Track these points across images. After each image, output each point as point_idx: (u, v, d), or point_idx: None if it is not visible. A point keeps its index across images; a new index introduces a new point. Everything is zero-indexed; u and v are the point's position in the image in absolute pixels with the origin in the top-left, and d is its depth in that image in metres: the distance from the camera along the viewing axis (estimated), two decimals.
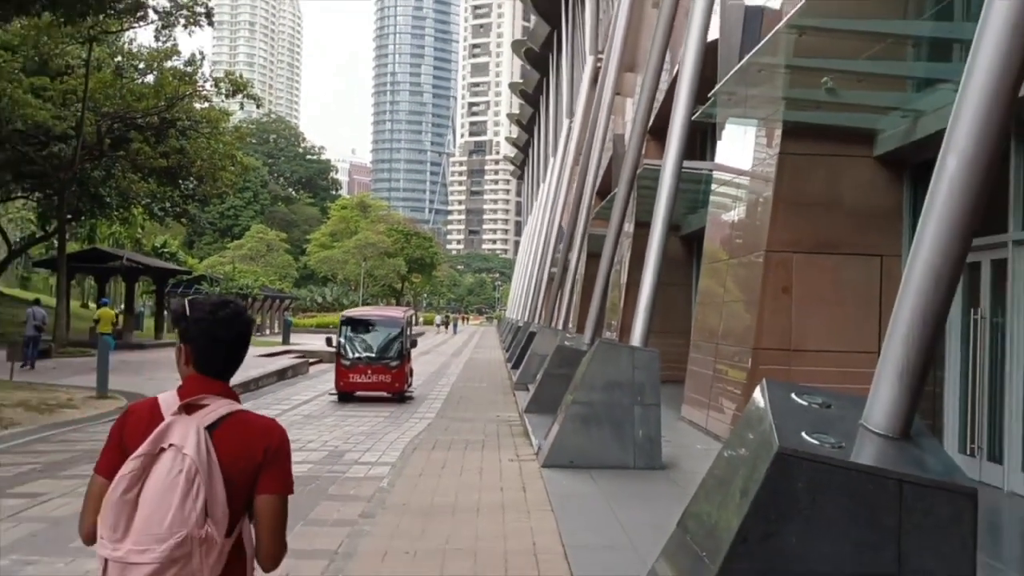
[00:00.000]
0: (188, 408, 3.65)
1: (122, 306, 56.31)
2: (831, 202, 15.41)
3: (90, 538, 3.76)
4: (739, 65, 14.97)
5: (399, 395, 27.08)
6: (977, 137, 5.18)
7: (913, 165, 14.93)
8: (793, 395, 6.00)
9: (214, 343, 3.84)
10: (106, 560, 3.53)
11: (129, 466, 3.55)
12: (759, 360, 15.21)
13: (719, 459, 6.24)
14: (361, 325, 28.30)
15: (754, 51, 13.87)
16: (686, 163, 16.45)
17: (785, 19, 12.75)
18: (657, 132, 22.43)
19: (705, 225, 20.61)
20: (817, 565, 5.03)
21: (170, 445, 3.55)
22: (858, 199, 15.38)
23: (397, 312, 30.49)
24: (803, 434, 5.26)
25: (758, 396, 5.90)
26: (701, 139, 24.08)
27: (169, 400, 3.77)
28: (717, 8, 17.66)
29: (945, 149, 5.26)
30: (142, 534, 3.47)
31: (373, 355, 27.01)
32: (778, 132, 15.83)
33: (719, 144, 20.20)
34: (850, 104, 14.76)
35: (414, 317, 38.24)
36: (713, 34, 17.67)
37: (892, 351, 5.39)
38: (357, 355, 27.01)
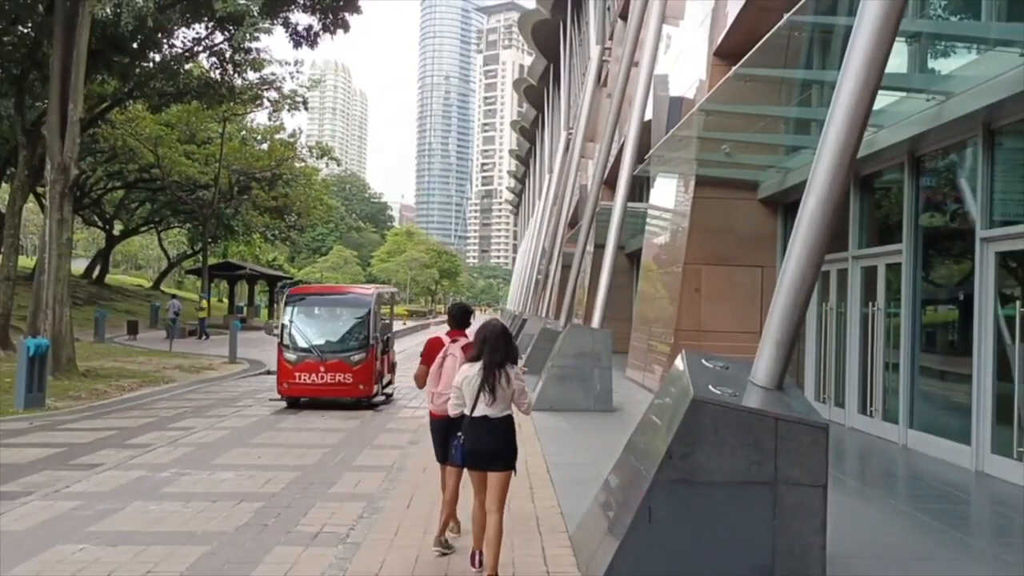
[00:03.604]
0: (452, 339, 6.52)
1: (246, 300, 56.33)
2: (727, 230, 15.42)
3: (420, 386, 6.82)
4: (665, 137, 15.01)
5: (365, 400, 15.21)
6: (828, 185, 5.20)
7: (784, 204, 14.94)
8: (703, 360, 6.01)
9: (459, 315, 6.73)
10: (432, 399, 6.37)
11: (438, 361, 6.44)
12: (679, 338, 15.21)
13: (652, 405, 6.25)
14: (313, 306, 16.07)
15: (676, 127, 13.92)
16: (629, 204, 16.53)
17: (697, 105, 12.79)
18: (610, 182, 22.42)
19: (642, 246, 20.63)
20: (720, 475, 5.04)
21: (450, 354, 6.38)
22: (746, 228, 15.39)
23: (363, 290, 17.26)
24: (710, 386, 5.27)
25: (679, 361, 5.91)
26: (639, 187, 24.11)
27: (443, 336, 6.61)
28: (651, 99, 17.67)
29: (807, 193, 5.27)
30: (444, 387, 6.24)
31: (327, 347, 15.07)
32: (692, 182, 15.85)
33: (652, 190, 20.22)
34: (741, 163, 14.78)
35: (396, 297, 21.58)
36: (648, 116, 17.70)
37: (770, 330, 5.41)
38: (305, 347, 15.06)
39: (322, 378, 14.83)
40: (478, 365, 5.64)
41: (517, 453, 5.79)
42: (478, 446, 5.62)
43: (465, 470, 5.84)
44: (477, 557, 5.73)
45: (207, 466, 9.88)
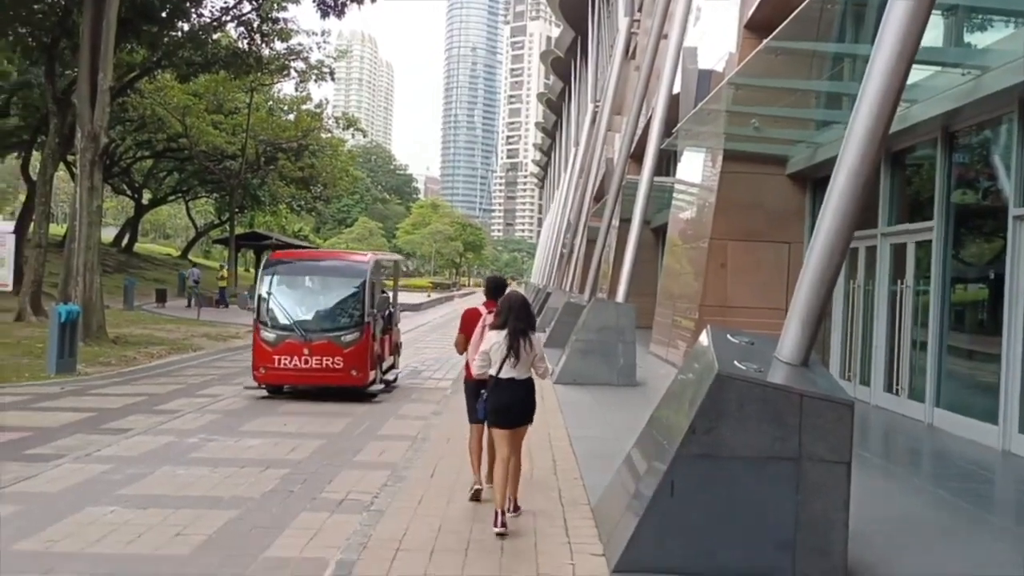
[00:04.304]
0: (489, 309, 6.86)
1: None
2: (755, 205, 15.28)
3: (460, 352, 7.30)
4: (694, 111, 14.85)
5: (359, 390, 12.65)
6: (860, 161, 5.13)
7: (813, 180, 14.76)
8: (728, 336, 5.99)
9: (494, 287, 7.23)
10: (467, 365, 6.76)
11: (477, 330, 6.82)
12: (704, 313, 15.15)
13: (675, 380, 6.25)
14: (296, 275, 13.50)
15: (704, 101, 13.76)
16: (656, 178, 16.41)
17: (726, 79, 12.64)
18: (636, 156, 22.26)
19: (668, 220, 20.51)
20: (743, 450, 5.04)
21: (488, 323, 6.59)
22: (774, 203, 15.24)
23: (357, 256, 14.75)
24: (735, 362, 5.26)
25: (704, 337, 5.89)
26: (666, 161, 23.91)
27: (480, 307, 7.12)
28: (680, 71, 17.48)
29: (837, 169, 5.21)
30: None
31: (312, 325, 12.57)
32: (720, 157, 15.70)
33: (679, 165, 20.07)
34: (770, 138, 14.60)
35: (401, 268, 19.09)
36: (676, 89, 17.53)
37: (797, 307, 5.37)
38: (286, 324, 12.55)
39: (306, 362, 12.22)
40: (504, 332, 6.25)
41: (535, 409, 6.48)
42: (505, 404, 6.30)
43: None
44: (499, 518, 5.99)
45: (234, 433, 10.02)
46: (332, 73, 37.30)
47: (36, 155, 36.36)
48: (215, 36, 28.85)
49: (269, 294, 12.80)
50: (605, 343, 14.43)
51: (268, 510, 6.79)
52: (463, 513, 6.57)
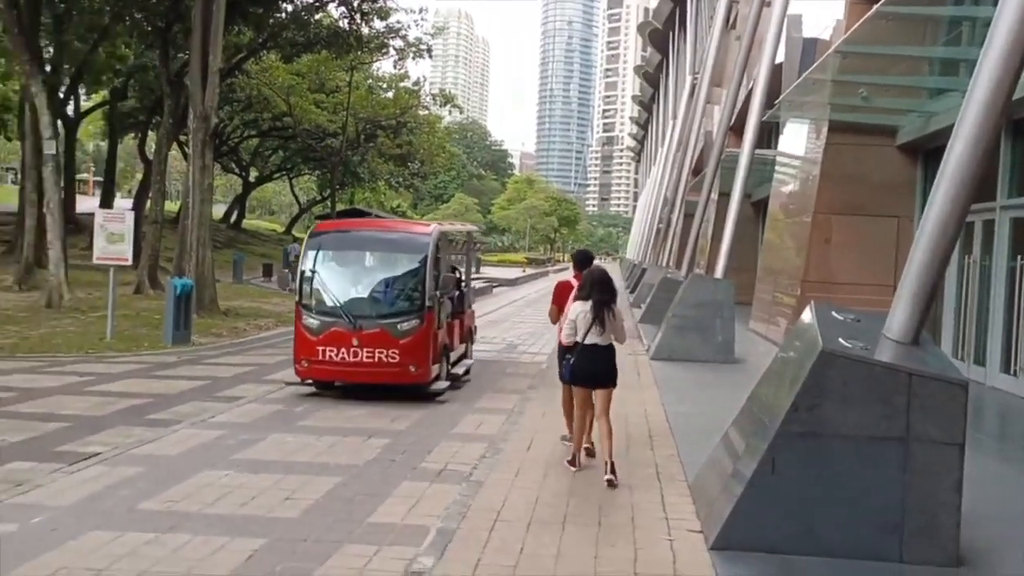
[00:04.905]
0: (577, 280, 7.48)
1: None
2: (861, 178, 14.75)
3: (553, 322, 8.00)
4: (798, 80, 14.40)
5: (418, 389, 10.46)
6: (978, 130, 4.90)
7: (925, 151, 14.14)
8: (833, 312, 5.84)
9: (580, 261, 7.90)
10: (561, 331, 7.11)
11: (570, 301, 7.21)
12: (806, 289, 14.75)
13: (776, 358, 6.13)
14: (344, 249, 11.28)
15: (810, 70, 13.32)
16: (757, 151, 16.04)
17: (833, 47, 12.20)
18: (736, 129, 21.73)
19: (769, 194, 20.01)
20: (847, 429, 4.93)
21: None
22: (882, 177, 14.68)
23: (418, 227, 12.83)
24: (840, 339, 5.13)
25: (807, 313, 5.76)
26: (768, 133, 23.28)
27: (571, 280, 7.77)
28: (783, 40, 16.94)
29: (954, 138, 4.99)
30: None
31: (363, 309, 10.42)
32: (824, 128, 15.22)
33: (781, 137, 19.52)
34: (879, 108, 14.04)
35: (474, 242, 16.41)
36: (779, 59, 17.02)
37: (908, 282, 5.19)
38: (332, 308, 10.41)
39: (355, 355, 10.10)
40: (588, 302, 6.92)
41: (617, 373, 7.10)
42: (590, 368, 6.97)
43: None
44: (578, 458, 7.07)
45: (337, 403, 10.33)
46: (429, 50, 37.60)
47: (152, 136, 38.01)
48: (317, 16, 29.50)
49: (313, 272, 10.62)
50: (702, 319, 14.24)
51: (371, 478, 7.00)
52: (560, 486, 6.64)
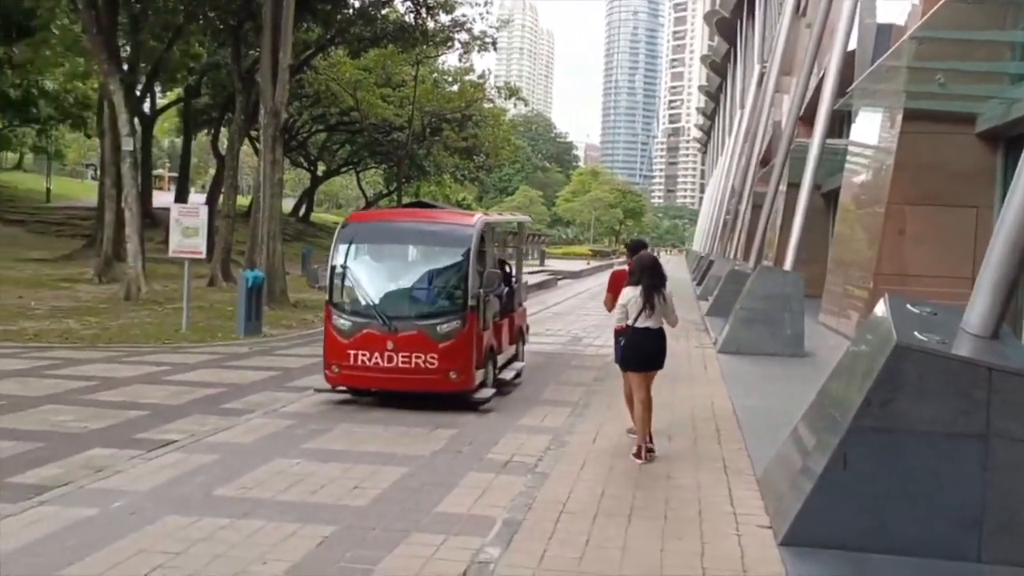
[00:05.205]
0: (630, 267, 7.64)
1: None
2: (937, 167, 14.29)
3: (609, 310, 8.11)
4: (872, 68, 14.01)
5: (460, 396, 9.41)
6: None
7: (1007, 138, 13.63)
8: (908, 305, 5.69)
9: (632, 248, 8.32)
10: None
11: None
12: (879, 282, 14.38)
13: (848, 352, 6.01)
14: (378, 242, 10.36)
15: (884, 57, 12.95)
16: (828, 141, 15.72)
17: (909, 32, 11.84)
18: (806, 118, 21.28)
19: (840, 185, 19.56)
20: (922, 425, 4.81)
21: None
22: (959, 165, 14.20)
23: (460, 218, 11.08)
24: (915, 332, 5.00)
25: (880, 306, 5.63)
26: (839, 122, 22.73)
27: (625, 268, 7.93)
28: (855, 26, 16.52)
29: None
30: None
31: (397, 309, 9.49)
32: (899, 117, 14.79)
33: (853, 126, 19.06)
34: (957, 95, 13.58)
35: (526, 228, 15.96)
36: (851, 46, 16.59)
37: (987, 274, 5.03)
38: (362, 309, 9.56)
39: (390, 359, 9.18)
40: (639, 288, 7.22)
41: (666, 355, 7.46)
42: (640, 350, 7.28)
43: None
44: (641, 451, 7.09)
45: (405, 394, 10.44)
46: (494, 43, 37.64)
47: (224, 131, 38.92)
48: (383, 11, 29.80)
49: (344, 268, 9.71)
50: (771, 312, 14.01)
51: (437, 468, 7.08)
52: (626, 479, 6.62)
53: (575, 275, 44.10)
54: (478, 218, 10.38)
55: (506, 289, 11.17)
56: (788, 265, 14.45)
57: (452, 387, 9.31)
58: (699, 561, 4.92)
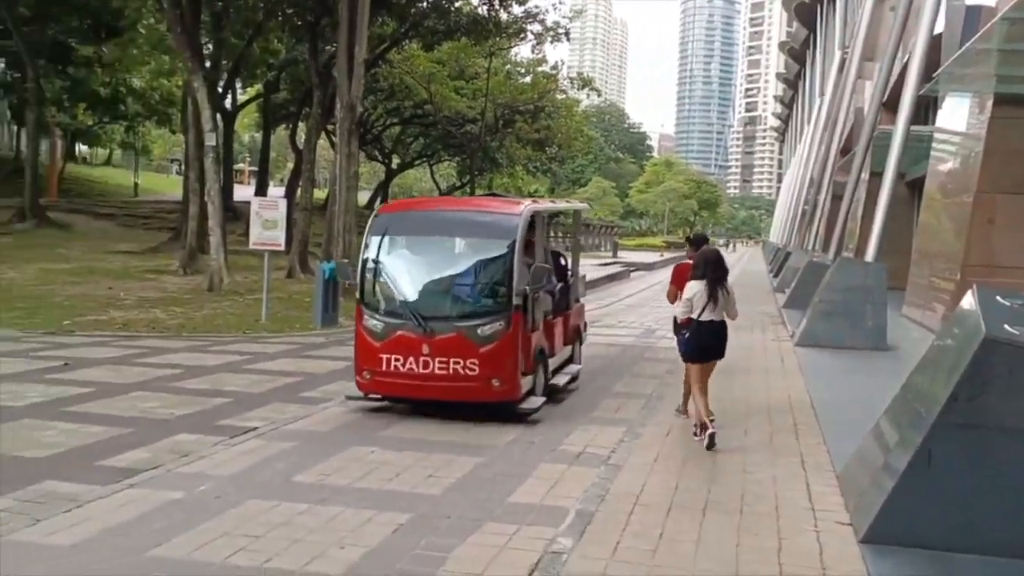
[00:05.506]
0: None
1: None
2: None
3: (672, 302, 8.44)
4: (961, 51, 13.49)
5: (504, 406, 8.40)
6: None
7: None
8: (999, 297, 5.47)
9: (695, 241, 8.58)
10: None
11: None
12: (967, 274, 13.88)
13: (933, 345, 5.81)
14: (413, 234, 9.15)
15: (973, 39, 12.45)
16: (912, 127, 15.22)
17: (1000, 13, 11.36)
18: (889, 105, 20.62)
19: (925, 173, 18.92)
20: (1013, 420, 4.64)
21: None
22: None
23: (503, 206, 9.57)
24: (1005, 325, 4.81)
25: (968, 298, 5.43)
26: (924, 108, 21.97)
27: (688, 260, 8.28)
28: (942, 8, 15.93)
29: None
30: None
31: (432, 309, 8.44)
32: (989, 102, 14.24)
33: (939, 112, 18.40)
34: None
35: (582, 216, 15.06)
36: (938, 28, 16.01)
37: None
38: (395, 308, 8.57)
39: (425, 365, 8.26)
40: (703, 282, 7.43)
41: (727, 347, 7.69)
42: (704, 343, 7.51)
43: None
44: (704, 431, 7.27)
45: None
46: (567, 33, 37.48)
47: (302, 126, 39.71)
48: (457, 4, 29.96)
49: (376, 263, 8.81)
50: (851, 304, 13.67)
51: (510, 458, 7.12)
52: (700, 473, 6.55)
53: (648, 267, 43.72)
54: (525, 206, 9.22)
55: (560, 284, 10.28)
56: (870, 256, 14.07)
57: (495, 396, 8.31)
58: (776, 557, 4.84)
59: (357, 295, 8.86)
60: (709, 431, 7.20)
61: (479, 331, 8.24)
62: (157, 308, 17.54)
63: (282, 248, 17.74)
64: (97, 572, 4.66)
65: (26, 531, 5.23)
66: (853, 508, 5.45)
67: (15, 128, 51.37)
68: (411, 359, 8.29)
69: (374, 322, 8.57)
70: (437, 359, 8.22)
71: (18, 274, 21.85)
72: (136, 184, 54.08)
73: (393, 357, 8.35)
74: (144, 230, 36.40)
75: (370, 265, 8.79)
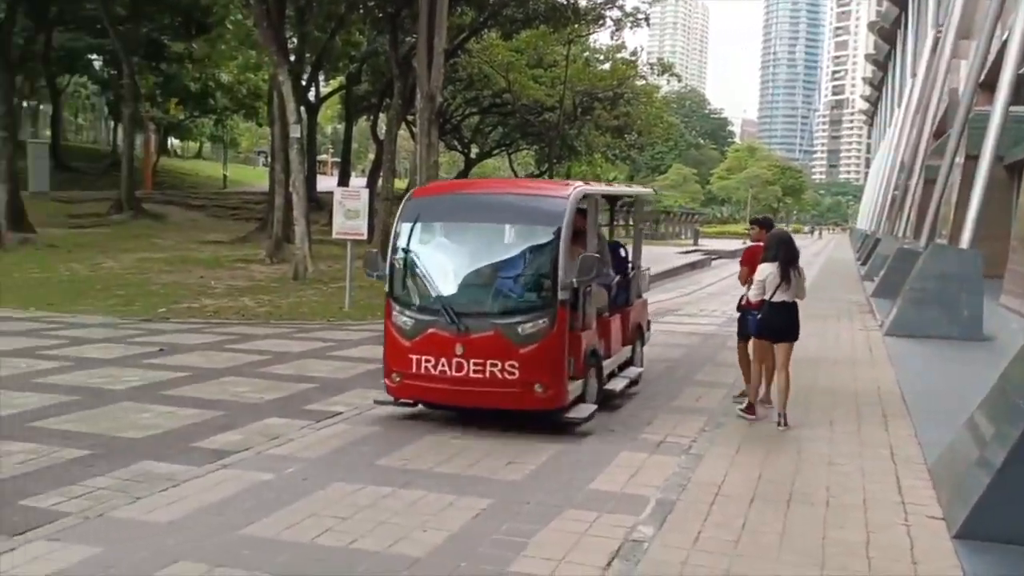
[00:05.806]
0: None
1: None
2: None
3: (743, 283, 8.49)
4: None
5: (549, 415, 7.34)
6: None
7: None
8: None
9: (766, 223, 8.73)
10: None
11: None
12: None
13: None
14: (446, 221, 8.10)
15: None
16: (1012, 108, 14.54)
17: None
18: (986, 85, 19.76)
19: None
20: None
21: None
22: None
23: (549, 188, 9.19)
24: None
25: None
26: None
27: (759, 244, 8.23)
28: None
29: None
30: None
31: (467, 304, 7.40)
32: None
33: None
34: None
35: (644, 207, 11.73)
36: None
37: None
38: (426, 304, 7.55)
39: (459, 367, 7.30)
40: (776, 263, 7.57)
41: (799, 327, 7.81)
42: (778, 324, 7.66)
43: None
44: (782, 418, 7.46)
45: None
46: (647, 19, 37.06)
47: (383, 117, 40.33)
48: None
49: (406, 253, 7.84)
50: (945, 292, 13.20)
51: (591, 447, 7.12)
52: (784, 464, 6.44)
53: (731, 255, 42.96)
54: (574, 188, 8.03)
55: (618, 277, 9.32)
56: (965, 243, 13.53)
57: (537, 404, 7.30)
58: (864, 551, 4.73)
59: (386, 288, 7.87)
60: (756, 415, 7.73)
61: (519, 329, 7.22)
62: (245, 296, 18.07)
63: (364, 237, 18.04)
64: (193, 548, 4.85)
65: (126, 508, 5.48)
66: (946, 502, 5.28)
67: (112, 123, 53.61)
68: (443, 360, 7.33)
69: (404, 319, 7.62)
70: (472, 361, 7.24)
71: (116, 263, 22.80)
72: (225, 176, 55.78)
73: (424, 358, 7.41)
74: (233, 220, 37.54)
75: (400, 255, 7.81)
